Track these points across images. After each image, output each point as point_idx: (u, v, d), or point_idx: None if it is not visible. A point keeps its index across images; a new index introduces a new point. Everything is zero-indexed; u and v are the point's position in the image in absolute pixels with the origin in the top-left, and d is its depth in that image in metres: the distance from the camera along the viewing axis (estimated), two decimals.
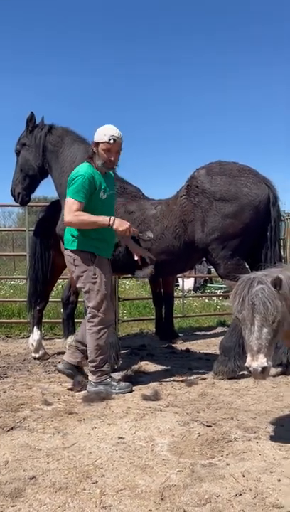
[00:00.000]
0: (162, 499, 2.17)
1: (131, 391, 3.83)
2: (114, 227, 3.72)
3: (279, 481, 2.33)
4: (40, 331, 5.29)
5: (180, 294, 8.06)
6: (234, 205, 4.10)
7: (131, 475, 2.41)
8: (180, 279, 8.31)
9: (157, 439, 2.87)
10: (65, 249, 3.89)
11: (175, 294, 6.93)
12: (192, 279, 10.51)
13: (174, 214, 4.30)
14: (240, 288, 2.58)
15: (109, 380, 3.85)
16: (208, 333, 6.82)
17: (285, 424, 3.10)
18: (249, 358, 2.54)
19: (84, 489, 2.27)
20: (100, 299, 3.74)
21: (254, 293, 2.50)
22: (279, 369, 4.30)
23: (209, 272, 10.66)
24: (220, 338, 4.66)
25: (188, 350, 5.57)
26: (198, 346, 5.86)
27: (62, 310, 5.44)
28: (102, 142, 3.71)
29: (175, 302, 7.03)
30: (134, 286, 10.14)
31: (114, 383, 3.84)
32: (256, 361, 2.49)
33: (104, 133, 3.72)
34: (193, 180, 4.29)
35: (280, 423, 3.12)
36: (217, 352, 4.57)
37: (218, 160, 4.35)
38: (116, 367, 4.57)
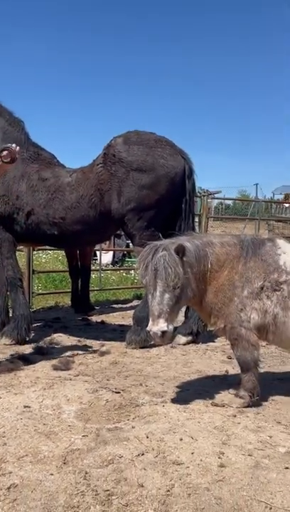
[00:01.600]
0: (64, 463, 2.16)
1: None
2: None
3: (181, 440, 2.41)
4: None
5: (98, 267, 8.02)
6: (150, 176, 4.10)
7: (34, 442, 2.36)
8: (98, 252, 8.26)
9: (64, 406, 2.84)
10: None
11: (92, 267, 6.88)
12: (110, 253, 10.49)
13: (90, 182, 4.22)
14: (145, 254, 2.61)
15: None
16: (124, 306, 6.87)
17: (191, 389, 3.21)
18: (150, 323, 2.59)
19: None
20: None
21: (157, 259, 2.55)
22: (189, 337, 4.45)
23: (127, 246, 10.69)
24: None
25: (103, 322, 5.58)
26: (114, 318, 5.88)
27: None
28: None
29: (93, 276, 6.97)
30: (51, 260, 9.91)
31: None
32: (157, 325, 2.55)
33: None
34: (110, 148, 4.21)
35: (186, 387, 3.23)
36: (132, 323, 4.62)
37: (135, 129, 4.30)
38: (27, 339, 4.46)
